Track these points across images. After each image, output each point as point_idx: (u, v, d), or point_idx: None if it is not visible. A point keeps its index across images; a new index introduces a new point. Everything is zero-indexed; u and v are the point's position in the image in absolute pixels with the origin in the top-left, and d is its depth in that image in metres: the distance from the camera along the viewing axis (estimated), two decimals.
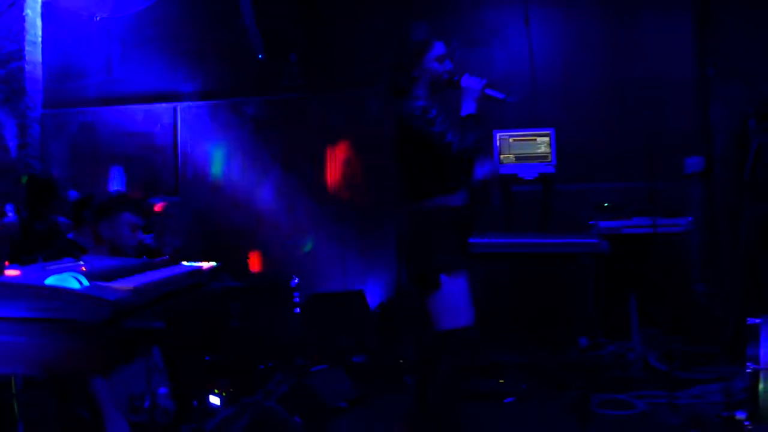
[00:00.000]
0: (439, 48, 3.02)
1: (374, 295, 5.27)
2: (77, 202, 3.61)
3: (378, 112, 5.13)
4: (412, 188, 2.97)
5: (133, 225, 3.03)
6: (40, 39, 5.96)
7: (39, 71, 5.95)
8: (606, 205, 4.60)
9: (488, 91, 2.99)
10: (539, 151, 4.59)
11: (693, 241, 4.61)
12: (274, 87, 5.51)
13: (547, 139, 4.58)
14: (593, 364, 4.46)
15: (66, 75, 5.99)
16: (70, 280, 1.47)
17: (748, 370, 2.83)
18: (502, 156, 4.62)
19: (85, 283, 1.50)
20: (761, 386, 2.76)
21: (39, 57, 5.96)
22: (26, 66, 5.84)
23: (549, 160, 4.57)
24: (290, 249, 5.58)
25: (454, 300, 2.87)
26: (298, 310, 5.00)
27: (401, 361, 4.51)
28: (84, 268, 1.67)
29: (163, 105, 5.77)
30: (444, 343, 2.90)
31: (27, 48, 5.83)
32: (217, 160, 5.73)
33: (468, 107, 2.95)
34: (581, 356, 4.08)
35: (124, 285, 1.57)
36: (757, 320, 2.96)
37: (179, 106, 5.76)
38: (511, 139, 4.62)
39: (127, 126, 5.87)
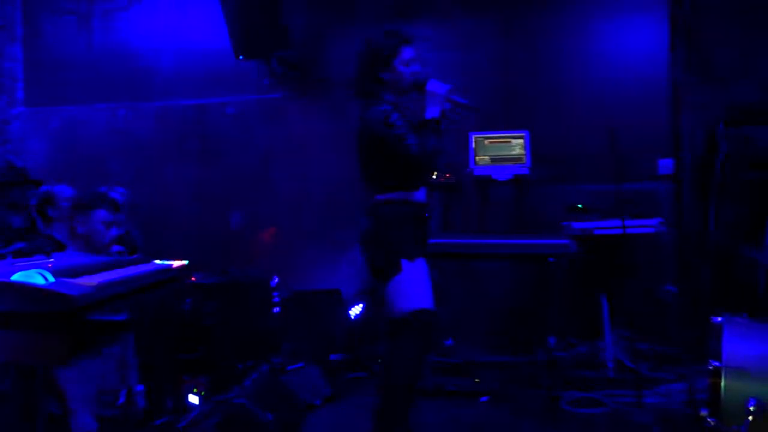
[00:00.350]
0: (407, 52, 3.08)
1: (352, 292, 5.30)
2: (41, 199, 3.62)
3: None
4: (374, 184, 3.08)
5: (106, 222, 3.06)
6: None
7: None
8: (579, 206, 4.66)
9: (453, 97, 3.07)
10: (514, 152, 4.65)
11: (663, 241, 4.69)
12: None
13: (521, 141, 4.64)
14: (565, 363, 4.53)
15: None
16: (36, 277, 1.50)
17: (710, 367, 2.91)
18: (477, 157, 4.68)
19: (51, 279, 1.53)
20: (722, 383, 2.83)
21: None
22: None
23: (523, 161, 4.64)
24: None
25: (413, 283, 2.97)
26: (277, 309, 5.03)
27: (379, 359, 4.55)
28: (50, 265, 1.70)
29: None
30: (404, 326, 2.96)
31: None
32: None
33: (432, 111, 3.03)
34: (553, 356, 4.14)
35: (88, 281, 1.60)
36: (719, 319, 3.04)
37: None
38: (486, 141, 4.68)
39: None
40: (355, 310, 4.98)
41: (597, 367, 4.49)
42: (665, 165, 4.98)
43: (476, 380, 4.28)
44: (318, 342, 4.73)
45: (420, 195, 3.10)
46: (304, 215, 5.56)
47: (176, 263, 2.26)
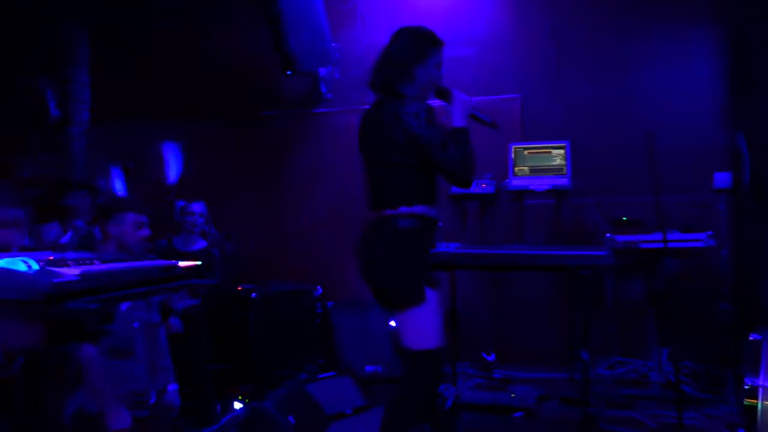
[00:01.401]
0: (439, 54, 2.90)
1: None
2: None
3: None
4: (389, 194, 2.79)
5: (136, 224, 3.20)
6: None
7: None
8: (624, 219, 4.51)
9: (476, 113, 2.91)
10: (554, 163, 4.54)
11: (718, 258, 4.47)
12: None
13: (562, 151, 4.53)
14: (608, 380, 4.37)
15: None
16: (19, 264, 1.57)
17: (746, 386, 2.75)
18: (516, 168, 4.60)
19: (35, 267, 1.60)
20: (759, 403, 2.67)
21: None
22: None
23: (564, 172, 4.52)
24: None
25: (433, 317, 2.74)
26: (318, 320, 5.07)
27: None
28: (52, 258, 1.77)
29: None
30: (421, 362, 2.75)
31: None
32: None
33: (458, 120, 2.83)
34: (587, 372, 4.01)
35: (74, 271, 1.65)
36: (758, 336, 2.87)
37: None
38: (525, 152, 4.60)
39: None
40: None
41: (643, 385, 4.31)
42: (722, 179, 4.75)
43: (512, 395, 4.18)
44: (355, 352, 4.74)
45: (434, 211, 2.85)
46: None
47: (183, 264, 2.31)
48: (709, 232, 4.25)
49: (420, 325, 2.72)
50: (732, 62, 4.68)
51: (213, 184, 5.43)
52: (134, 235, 3.19)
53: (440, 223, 2.94)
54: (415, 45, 2.87)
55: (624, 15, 4.88)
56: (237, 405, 4.20)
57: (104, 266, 1.76)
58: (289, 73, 5.08)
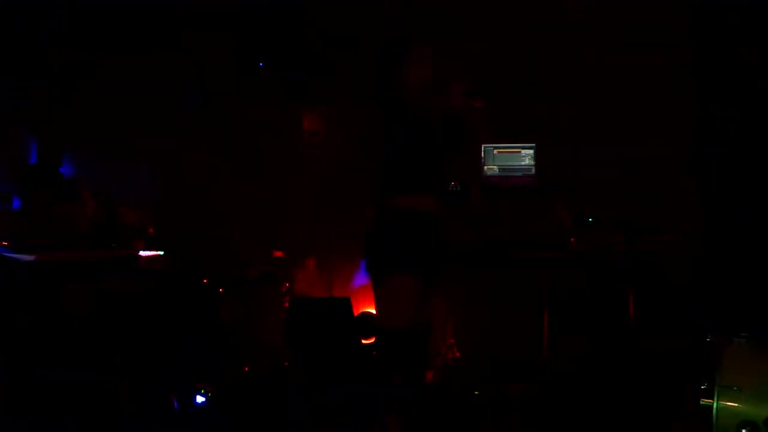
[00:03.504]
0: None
1: None
2: None
3: None
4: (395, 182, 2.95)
5: None
6: None
7: None
8: (590, 219, 4.54)
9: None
10: (523, 163, 4.60)
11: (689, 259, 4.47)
12: None
13: (531, 152, 4.59)
14: None
15: None
16: None
17: (702, 387, 2.80)
18: (486, 167, 4.63)
19: None
20: (715, 404, 2.72)
21: None
22: None
23: (532, 172, 4.58)
24: None
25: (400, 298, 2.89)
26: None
27: None
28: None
29: None
30: (381, 340, 2.97)
31: None
32: None
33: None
34: None
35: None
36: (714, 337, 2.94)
37: None
38: (495, 151, 4.64)
39: None
40: None
41: None
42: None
43: None
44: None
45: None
46: None
47: (145, 252, 2.28)
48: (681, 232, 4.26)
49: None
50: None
51: None
52: None
53: None
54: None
55: None
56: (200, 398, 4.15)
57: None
58: None
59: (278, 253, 5.14)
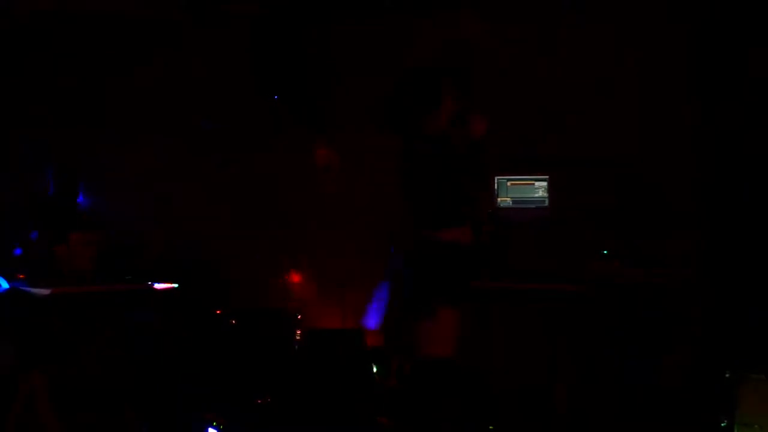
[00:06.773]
0: None
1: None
2: None
3: None
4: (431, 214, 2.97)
5: None
6: None
7: None
8: (605, 252, 4.51)
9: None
10: (536, 195, 4.59)
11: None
12: None
13: (544, 184, 4.59)
14: None
15: None
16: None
17: (722, 424, 2.76)
18: (499, 199, 4.63)
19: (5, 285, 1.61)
20: None
21: None
22: None
23: (545, 204, 4.57)
24: None
25: (446, 328, 2.91)
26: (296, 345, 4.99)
27: None
28: None
29: None
30: (424, 370, 2.91)
31: None
32: None
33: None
34: None
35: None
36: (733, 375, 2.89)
37: None
38: (508, 183, 4.64)
39: None
40: None
41: None
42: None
43: None
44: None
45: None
46: None
47: (160, 285, 2.29)
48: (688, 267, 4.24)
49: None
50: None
51: None
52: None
53: None
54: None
55: None
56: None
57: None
58: None
59: (296, 278, 5.15)
